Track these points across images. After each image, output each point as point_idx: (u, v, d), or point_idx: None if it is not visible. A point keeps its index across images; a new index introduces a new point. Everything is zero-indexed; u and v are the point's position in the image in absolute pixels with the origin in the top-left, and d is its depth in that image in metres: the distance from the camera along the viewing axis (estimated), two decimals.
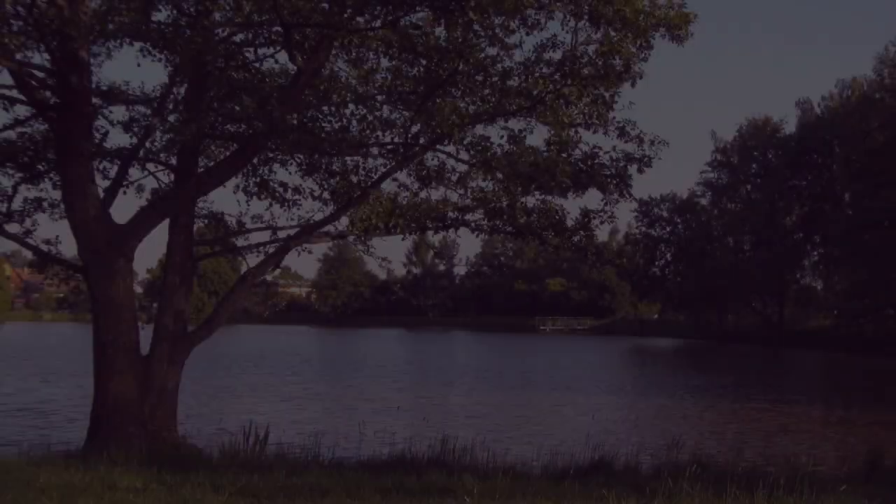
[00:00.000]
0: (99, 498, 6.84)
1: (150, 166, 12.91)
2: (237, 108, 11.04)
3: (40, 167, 12.33)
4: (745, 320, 70.67)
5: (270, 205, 13.26)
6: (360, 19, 9.95)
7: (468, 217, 12.22)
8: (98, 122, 11.93)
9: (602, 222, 11.87)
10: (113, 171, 12.29)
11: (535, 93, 10.73)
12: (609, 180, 11.07)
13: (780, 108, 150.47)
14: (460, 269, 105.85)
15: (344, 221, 12.63)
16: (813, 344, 53.74)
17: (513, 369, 33.98)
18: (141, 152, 12.30)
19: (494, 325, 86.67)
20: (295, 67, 10.06)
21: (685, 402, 22.96)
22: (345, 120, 11.86)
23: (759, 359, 47.04)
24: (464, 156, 11.30)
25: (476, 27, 10.03)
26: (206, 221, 13.76)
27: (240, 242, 13.53)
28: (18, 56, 10.46)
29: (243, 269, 12.95)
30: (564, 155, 10.66)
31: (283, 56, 11.40)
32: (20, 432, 14.18)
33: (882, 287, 45.29)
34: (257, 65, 11.71)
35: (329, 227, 12.39)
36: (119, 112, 14.27)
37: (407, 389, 24.95)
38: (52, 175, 12.31)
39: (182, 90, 11.81)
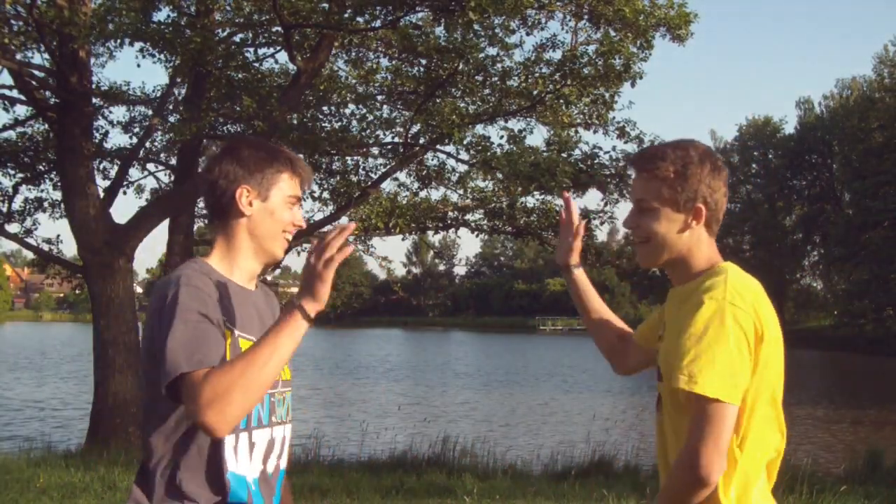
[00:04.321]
0: (99, 498, 6.84)
1: (150, 166, 12.96)
2: (237, 108, 11.06)
3: (40, 167, 12.37)
4: None
5: None
6: (360, 19, 9.96)
7: (468, 217, 12.23)
8: (98, 122, 11.97)
9: (602, 223, 11.90)
10: (113, 171, 12.32)
11: (535, 93, 10.74)
12: (609, 180, 11.09)
13: (781, 109, 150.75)
14: (460, 269, 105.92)
15: (344, 221, 12.64)
16: (813, 343, 53.68)
17: (513, 369, 33.97)
18: (141, 152, 12.32)
19: (494, 325, 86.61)
20: (295, 67, 10.07)
21: None
22: (345, 120, 11.89)
23: None
24: (464, 156, 11.33)
25: (476, 27, 10.04)
26: (206, 221, 13.78)
27: None
28: (18, 56, 10.49)
29: None
30: (564, 155, 10.66)
31: (283, 56, 11.42)
32: (20, 432, 14.18)
33: (882, 287, 45.28)
34: (257, 65, 11.73)
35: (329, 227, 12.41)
36: (119, 112, 14.33)
37: (407, 389, 24.94)
38: (52, 175, 12.34)
39: (182, 90, 11.83)
